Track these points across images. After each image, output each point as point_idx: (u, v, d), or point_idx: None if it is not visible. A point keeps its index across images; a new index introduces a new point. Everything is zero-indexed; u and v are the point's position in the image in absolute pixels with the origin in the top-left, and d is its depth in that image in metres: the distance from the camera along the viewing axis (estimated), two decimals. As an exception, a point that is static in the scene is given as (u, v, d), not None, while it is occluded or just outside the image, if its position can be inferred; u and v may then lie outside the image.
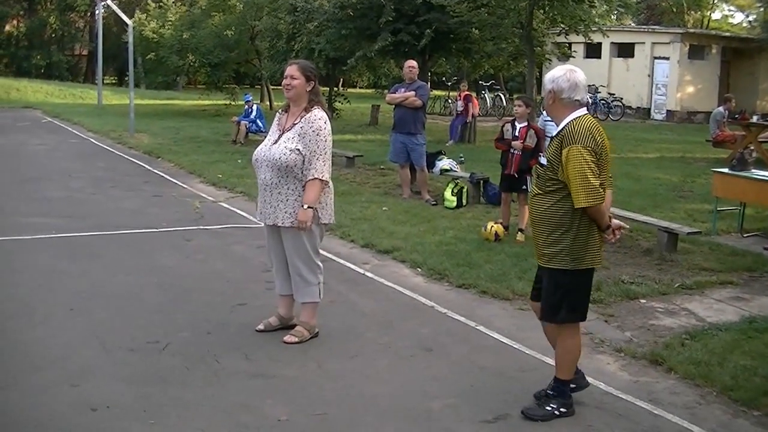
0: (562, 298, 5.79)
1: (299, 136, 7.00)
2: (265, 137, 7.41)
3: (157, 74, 38.77)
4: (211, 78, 35.44)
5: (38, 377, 6.29)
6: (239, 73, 41.28)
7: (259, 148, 7.28)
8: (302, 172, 7.01)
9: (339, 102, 33.71)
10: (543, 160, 5.69)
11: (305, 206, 6.94)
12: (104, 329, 7.41)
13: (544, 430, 5.67)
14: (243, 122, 23.53)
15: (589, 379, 6.39)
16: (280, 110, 7.47)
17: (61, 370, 6.43)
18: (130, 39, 26.29)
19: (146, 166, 18.71)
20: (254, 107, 24.20)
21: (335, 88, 35.70)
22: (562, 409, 5.81)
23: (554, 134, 5.74)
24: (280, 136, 7.13)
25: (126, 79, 38.99)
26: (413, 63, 14.95)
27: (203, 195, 14.85)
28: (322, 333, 7.39)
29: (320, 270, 7.37)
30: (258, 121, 23.67)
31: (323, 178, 7.03)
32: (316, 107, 7.14)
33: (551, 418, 5.76)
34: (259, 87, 42.05)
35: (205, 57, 33.45)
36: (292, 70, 7.14)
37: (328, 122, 7.17)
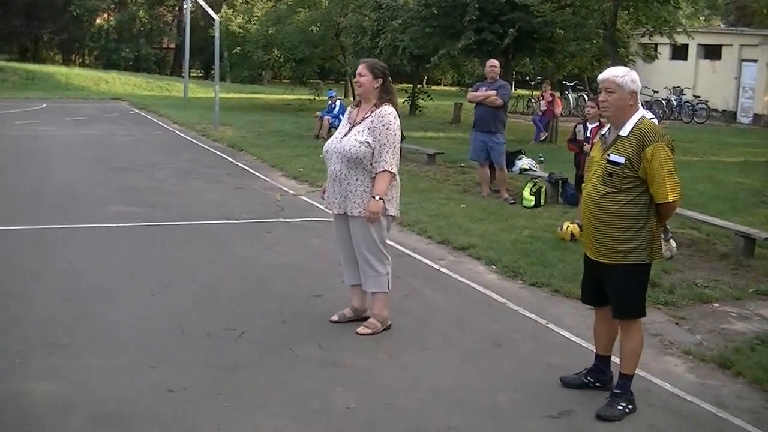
0: (638, 292, 5.96)
1: (369, 130, 7.20)
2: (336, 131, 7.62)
3: (242, 68, 39.38)
4: (295, 73, 35.95)
5: (120, 358, 6.56)
6: (323, 68, 41.70)
7: (330, 140, 7.53)
8: (371, 164, 7.22)
9: (422, 99, 33.86)
10: (617, 158, 5.77)
11: (377, 197, 7.13)
12: (184, 315, 7.67)
13: (608, 428, 5.74)
14: (326, 117, 23.78)
15: (656, 380, 6.52)
16: (352, 105, 7.71)
17: (141, 353, 6.69)
18: (217, 34, 26.74)
19: (229, 159, 19.10)
20: (337, 103, 24.45)
21: (419, 86, 35.80)
22: (630, 407, 5.91)
23: (625, 133, 5.83)
24: (350, 129, 7.34)
25: (212, 72, 39.63)
26: (495, 62, 15.06)
27: (284, 188, 15.14)
28: (394, 326, 7.54)
29: (388, 261, 7.53)
30: (341, 116, 23.71)
31: (392, 170, 7.23)
32: (386, 104, 7.35)
33: (623, 418, 5.85)
34: (343, 83, 42.36)
35: (290, 52, 33.95)
36: (361, 68, 7.38)
37: (397, 117, 7.37)
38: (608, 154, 5.84)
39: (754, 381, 6.61)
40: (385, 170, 7.17)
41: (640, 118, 5.85)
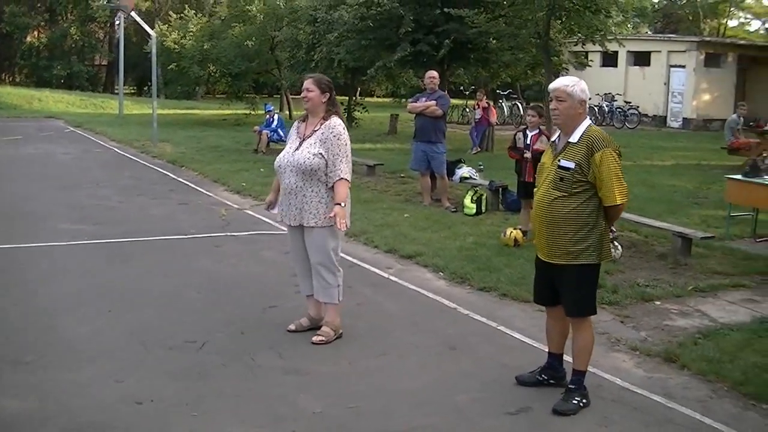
0: (589, 291, 6.26)
1: (321, 142, 7.46)
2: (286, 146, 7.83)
3: (177, 84, 39.24)
4: (231, 88, 35.88)
5: (85, 373, 6.67)
6: (258, 82, 41.66)
7: (281, 155, 7.72)
8: (325, 175, 7.45)
9: (358, 111, 34.05)
10: (567, 164, 6.04)
11: (342, 204, 7.36)
12: (144, 329, 7.79)
13: (564, 422, 6.01)
14: (264, 131, 23.84)
15: (606, 376, 6.84)
16: (298, 120, 7.94)
17: (105, 367, 6.80)
18: (153, 50, 26.65)
19: (171, 175, 19.10)
20: (275, 117, 24.55)
21: (354, 98, 36.00)
22: (584, 401, 6.21)
23: (575, 140, 6.11)
24: (301, 143, 7.56)
25: (145, 89, 39.39)
26: (434, 73, 15.31)
27: (228, 203, 15.21)
28: (352, 332, 7.75)
29: (340, 273, 7.74)
30: (279, 130, 23.95)
31: (348, 179, 7.51)
32: (333, 116, 7.64)
33: (578, 411, 6.13)
34: (278, 96, 42.41)
35: (226, 67, 33.91)
36: (308, 83, 7.65)
37: (345, 128, 7.68)
38: (559, 160, 6.11)
39: (698, 373, 6.96)
40: (342, 178, 7.42)
41: (589, 125, 6.16)
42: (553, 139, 6.56)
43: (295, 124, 7.93)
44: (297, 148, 7.54)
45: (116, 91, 41.20)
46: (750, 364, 7.02)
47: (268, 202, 8.09)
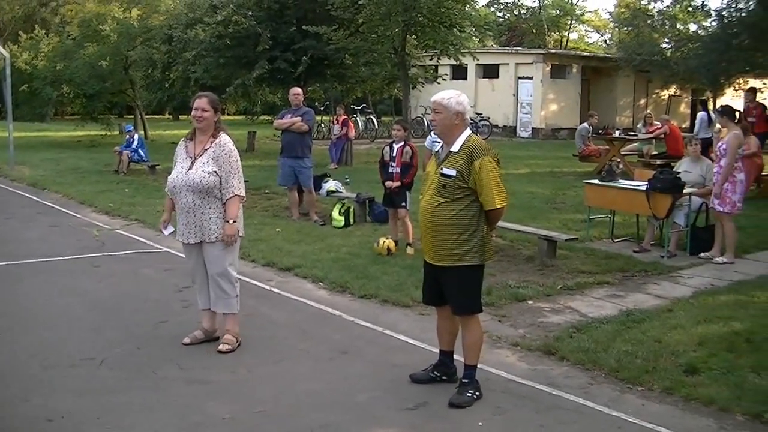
0: (474, 291, 6.68)
1: (213, 160, 7.69)
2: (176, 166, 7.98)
3: (28, 106, 38.32)
4: (86, 109, 35.30)
5: (-12, 394, 6.72)
6: (113, 103, 41.09)
7: (173, 176, 7.87)
8: (220, 192, 7.69)
9: (214, 129, 34.05)
10: (449, 172, 6.44)
11: (231, 221, 7.63)
12: (41, 349, 7.84)
13: (461, 414, 6.40)
14: (125, 152, 23.67)
15: (493, 370, 7.30)
16: (184, 139, 8.09)
17: (10, 388, 6.85)
18: (8, 71, 26.09)
19: (35, 198, 18.84)
20: (135, 137, 24.35)
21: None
22: (477, 393, 6.63)
23: (456, 149, 6.51)
24: (193, 162, 7.75)
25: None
26: (299, 90, 15.61)
27: (99, 223, 15.14)
28: (245, 342, 8.00)
29: (238, 283, 8.02)
30: (140, 150, 23.86)
31: (241, 194, 7.80)
32: (221, 133, 7.87)
33: (473, 403, 6.53)
34: (132, 117, 41.91)
35: (80, 88, 33.29)
36: (202, 103, 7.80)
37: (234, 145, 7.94)
38: (441, 168, 6.52)
39: (577, 362, 7.51)
40: (235, 195, 7.70)
41: (469, 135, 6.59)
42: (436, 149, 6.98)
43: (182, 143, 8.06)
44: (190, 168, 7.73)
45: (-37, 115, 39.84)
46: (622, 352, 7.58)
47: (163, 221, 8.24)
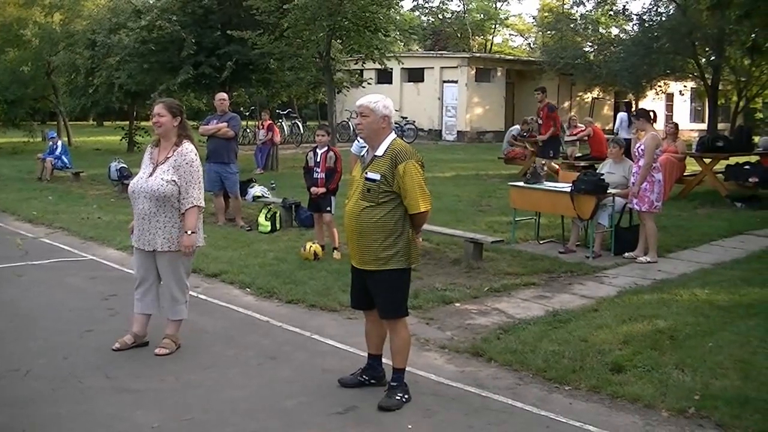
0: (400, 294, 6.66)
1: (173, 169, 7.60)
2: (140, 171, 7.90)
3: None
4: (8, 115, 34.71)
5: None
6: (35, 109, 40.50)
7: (134, 181, 7.81)
8: (178, 201, 7.61)
9: (140, 135, 33.73)
10: (373, 176, 6.44)
11: (189, 232, 7.57)
12: (-40, 361, 7.67)
13: (390, 417, 6.39)
14: (49, 159, 23.33)
15: (421, 373, 7.29)
16: (150, 145, 8.02)
17: (-72, 401, 6.70)
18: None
19: (-47, 207, 18.44)
20: (59, 144, 24.03)
21: (134, 122, 35.51)
22: (406, 396, 6.63)
23: (380, 153, 6.52)
24: (154, 169, 7.67)
25: None
26: (224, 95, 15.53)
27: (22, 232, 14.87)
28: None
29: (189, 290, 8.02)
30: (63, 157, 23.54)
31: (200, 205, 7.71)
32: (185, 141, 7.77)
33: (402, 406, 6.54)
34: (55, 123, 41.32)
35: (1, 94, 32.73)
36: (159, 108, 7.74)
37: (197, 153, 7.83)
38: (366, 173, 6.51)
39: (504, 363, 7.55)
40: (194, 205, 7.63)
41: (394, 139, 6.58)
42: (362, 153, 6.97)
43: (148, 148, 8.00)
44: (150, 174, 7.65)
45: None
46: (549, 353, 7.65)
47: (130, 228, 8.08)
